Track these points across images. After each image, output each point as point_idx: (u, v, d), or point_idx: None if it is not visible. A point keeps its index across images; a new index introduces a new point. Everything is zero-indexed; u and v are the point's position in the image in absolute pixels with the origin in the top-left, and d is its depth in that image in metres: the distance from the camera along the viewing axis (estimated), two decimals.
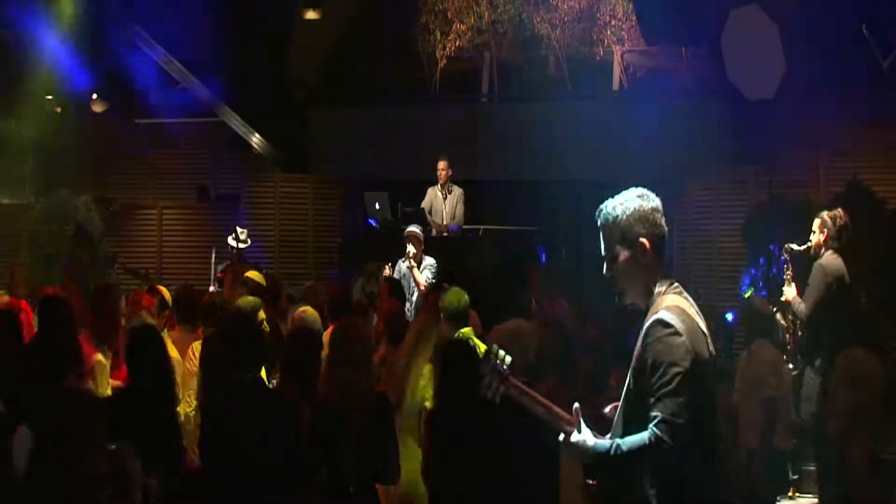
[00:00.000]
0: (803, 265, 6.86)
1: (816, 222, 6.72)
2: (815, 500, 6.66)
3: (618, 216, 2.92)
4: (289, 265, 11.74)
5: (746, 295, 7.89)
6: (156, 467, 4.32)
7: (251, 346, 4.48)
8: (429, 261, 8.98)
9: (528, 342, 4.68)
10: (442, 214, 10.07)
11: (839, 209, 6.78)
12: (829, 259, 6.57)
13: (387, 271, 8.98)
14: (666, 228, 2.94)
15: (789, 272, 6.83)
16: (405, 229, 9.21)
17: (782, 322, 6.85)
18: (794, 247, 6.84)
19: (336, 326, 4.86)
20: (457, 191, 10.14)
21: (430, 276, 8.80)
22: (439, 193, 10.15)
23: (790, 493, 6.83)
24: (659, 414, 2.69)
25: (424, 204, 10.19)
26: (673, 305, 2.83)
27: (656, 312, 2.82)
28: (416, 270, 8.80)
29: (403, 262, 8.95)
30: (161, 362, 4.56)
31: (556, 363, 5.40)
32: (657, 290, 2.90)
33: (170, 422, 4.49)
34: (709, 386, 2.85)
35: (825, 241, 6.63)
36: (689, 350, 2.74)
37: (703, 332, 2.85)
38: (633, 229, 2.90)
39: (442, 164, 10.07)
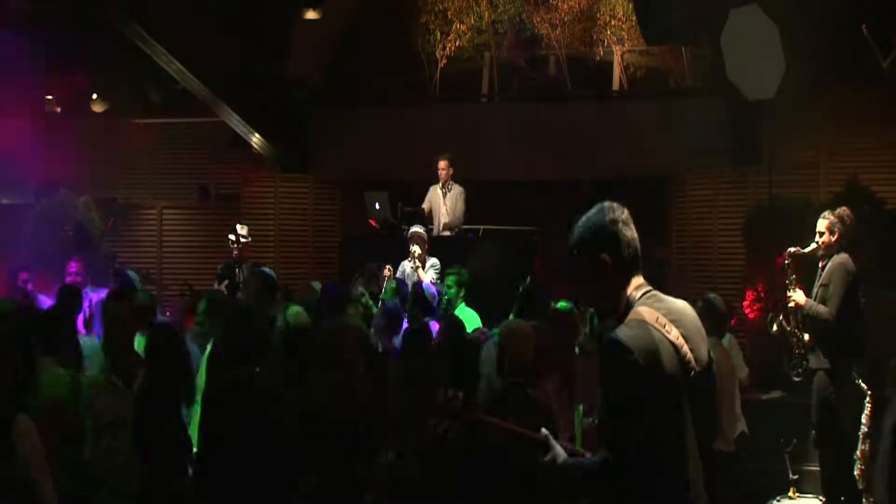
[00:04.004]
0: (806, 268, 6.84)
1: (823, 223, 6.66)
2: (815, 500, 6.66)
3: (580, 236, 2.90)
4: (288, 265, 11.73)
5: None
6: (174, 465, 4.39)
7: (250, 343, 4.48)
8: (432, 261, 8.99)
9: (525, 342, 4.68)
10: (442, 212, 10.10)
11: (845, 207, 6.76)
12: (846, 258, 6.56)
13: (387, 272, 8.98)
14: (631, 236, 2.87)
15: (794, 276, 6.80)
16: (407, 230, 9.23)
17: (787, 328, 6.83)
18: (799, 250, 6.80)
19: (323, 328, 4.86)
20: (456, 188, 10.17)
21: (434, 275, 8.80)
22: (439, 192, 10.18)
23: (790, 493, 6.83)
24: (609, 437, 2.69)
25: (425, 203, 10.21)
26: (634, 319, 2.78)
27: (616, 330, 2.78)
28: (420, 271, 8.81)
29: (408, 262, 8.97)
30: (178, 362, 4.61)
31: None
32: (630, 298, 2.86)
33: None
34: (672, 397, 2.77)
35: (837, 240, 6.59)
36: (641, 370, 2.67)
37: (671, 343, 2.77)
38: (593, 246, 2.87)
39: (443, 164, 10.11)
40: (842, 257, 6.56)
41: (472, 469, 4.03)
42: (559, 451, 2.82)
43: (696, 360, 2.84)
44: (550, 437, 2.85)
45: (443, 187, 10.17)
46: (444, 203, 10.14)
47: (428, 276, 8.79)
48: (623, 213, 2.90)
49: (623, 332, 2.74)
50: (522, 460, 2.85)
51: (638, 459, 2.65)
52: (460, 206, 10.12)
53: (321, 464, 4.35)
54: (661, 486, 2.73)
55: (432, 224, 10.12)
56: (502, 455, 2.91)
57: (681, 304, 2.94)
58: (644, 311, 2.80)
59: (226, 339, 4.58)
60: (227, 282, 9.57)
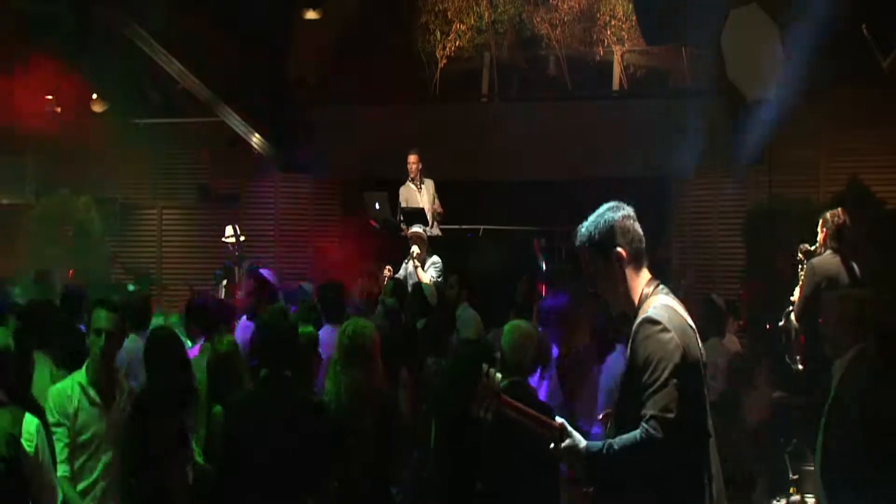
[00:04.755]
0: None
1: (819, 222, 6.74)
2: (816, 500, 6.67)
3: (591, 233, 2.99)
4: (289, 265, 11.73)
5: None
6: (172, 468, 4.36)
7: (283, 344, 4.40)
8: (433, 259, 8.99)
9: (528, 342, 4.69)
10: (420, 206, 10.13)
11: (839, 208, 6.80)
12: (823, 259, 6.58)
13: (387, 272, 8.98)
14: (641, 233, 3.00)
15: (803, 273, 6.84)
16: (407, 230, 9.24)
17: (796, 323, 6.85)
18: (808, 247, 6.86)
19: (342, 327, 4.83)
20: (429, 182, 10.22)
21: (434, 274, 8.78)
22: (413, 186, 10.21)
23: (790, 493, 6.83)
24: (650, 410, 2.72)
25: (401, 202, 10.23)
26: (661, 304, 2.89)
27: (644, 313, 2.87)
28: (420, 270, 8.80)
29: (408, 262, 8.96)
30: (177, 365, 4.57)
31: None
32: (643, 293, 2.95)
33: (185, 423, 4.52)
34: (700, 381, 2.88)
35: (824, 240, 6.65)
36: (678, 345, 2.78)
37: (692, 328, 2.90)
38: (607, 241, 2.96)
39: (413, 158, 10.17)
40: (819, 258, 6.60)
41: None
42: (578, 438, 2.86)
43: (701, 349, 2.94)
44: (567, 425, 2.89)
45: (413, 181, 10.21)
46: (420, 197, 10.17)
47: (427, 275, 8.78)
48: (632, 211, 3.03)
49: (657, 313, 2.84)
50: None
51: (682, 428, 2.71)
52: (436, 200, 10.20)
53: (343, 465, 4.34)
54: (689, 462, 2.79)
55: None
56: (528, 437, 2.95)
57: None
58: (665, 299, 2.92)
59: (260, 347, 4.47)
60: (225, 282, 9.58)
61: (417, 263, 8.84)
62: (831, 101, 10.16)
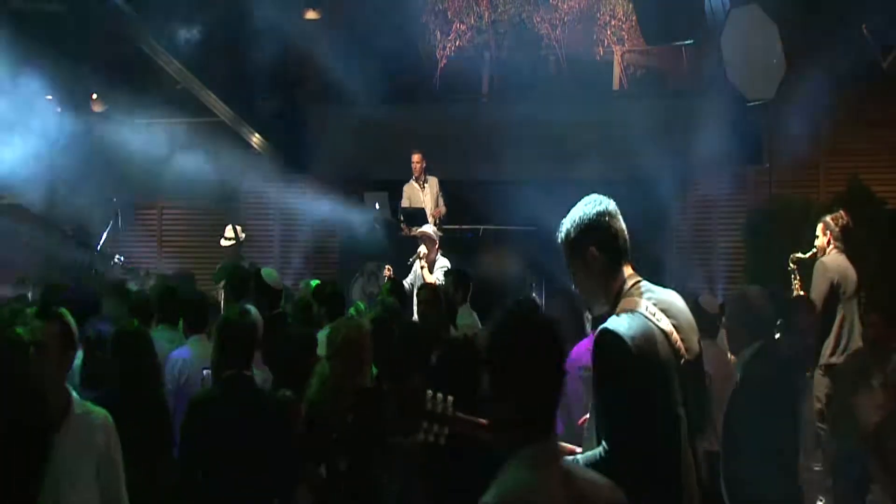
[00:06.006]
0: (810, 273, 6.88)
1: (819, 227, 6.74)
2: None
3: (568, 230, 2.93)
4: (288, 265, 11.73)
5: None
6: (144, 467, 4.32)
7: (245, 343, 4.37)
8: (442, 262, 8.52)
9: None
10: (425, 205, 10.11)
11: (841, 210, 6.81)
12: (832, 257, 6.59)
13: (387, 272, 8.90)
14: (619, 227, 2.89)
15: (797, 281, 6.85)
16: (407, 230, 9.19)
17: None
18: (801, 255, 6.86)
19: (334, 325, 4.84)
20: (432, 180, 10.25)
21: (442, 277, 8.42)
22: (416, 185, 10.21)
23: None
24: (608, 427, 2.66)
25: (403, 201, 10.21)
26: (625, 309, 2.78)
27: (607, 321, 2.77)
28: (426, 271, 8.37)
29: (413, 262, 8.60)
30: (146, 363, 4.53)
31: None
32: (620, 291, 2.86)
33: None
34: (667, 387, 2.75)
35: (827, 243, 6.65)
36: (635, 357, 2.66)
37: (661, 331, 2.77)
38: (581, 239, 2.90)
39: (416, 157, 10.24)
40: (828, 256, 6.60)
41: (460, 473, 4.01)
42: None
43: (686, 349, 2.83)
44: None
45: (417, 180, 10.21)
46: (423, 196, 10.16)
47: (434, 277, 8.31)
48: (610, 206, 2.92)
49: (615, 322, 2.74)
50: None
51: (635, 449, 2.61)
52: (440, 199, 10.24)
53: (319, 463, 4.33)
54: (656, 477, 2.68)
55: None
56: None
57: (670, 295, 2.94)
58: (634, 301, 2.81)
59: (220, 347, 4.42)
60: (223, 282, 9.55)
61: (425, 264, 8.39)
62: (831, 101, 10.16)
